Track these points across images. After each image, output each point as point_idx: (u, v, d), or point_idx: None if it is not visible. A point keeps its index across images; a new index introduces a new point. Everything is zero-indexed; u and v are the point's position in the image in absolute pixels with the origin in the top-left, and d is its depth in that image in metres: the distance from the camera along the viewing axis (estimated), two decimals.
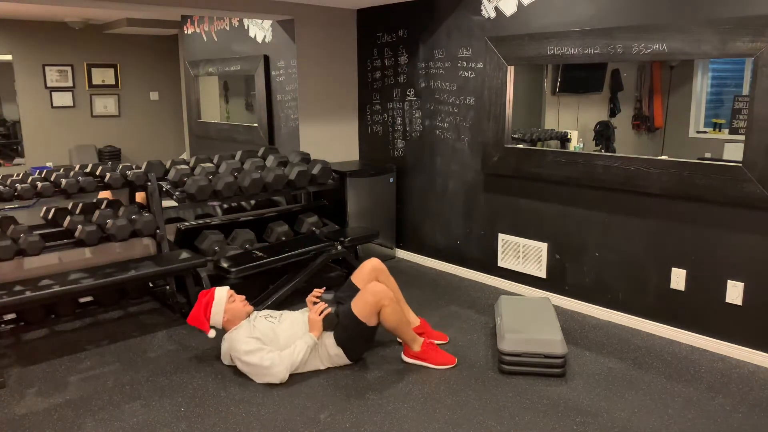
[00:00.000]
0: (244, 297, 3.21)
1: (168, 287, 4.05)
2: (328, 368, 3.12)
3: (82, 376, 3.07)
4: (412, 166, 4.91)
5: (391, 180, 4.96)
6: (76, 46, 8.11)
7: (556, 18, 3.74)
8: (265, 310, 3.22)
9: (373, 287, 3.07)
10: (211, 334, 3.08)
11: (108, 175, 3.69)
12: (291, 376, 3.02)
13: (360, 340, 3.12)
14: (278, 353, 2.97)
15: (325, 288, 3.25)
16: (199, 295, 3.16)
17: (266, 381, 2.96)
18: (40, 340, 3.52)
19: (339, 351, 3.08)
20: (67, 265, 3.75)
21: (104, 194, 4.23)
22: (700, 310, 3.37)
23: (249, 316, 3.14)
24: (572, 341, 3.46)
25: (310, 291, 3.27)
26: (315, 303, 3.16)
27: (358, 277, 3.36)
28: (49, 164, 8.06)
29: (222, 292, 3.13)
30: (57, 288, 3.14)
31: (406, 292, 4.29)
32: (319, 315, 3.03)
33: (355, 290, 3.25)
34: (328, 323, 3.05)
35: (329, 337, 3.08)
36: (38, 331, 3.65)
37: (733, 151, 3.46)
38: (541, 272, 4.10)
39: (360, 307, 3.04)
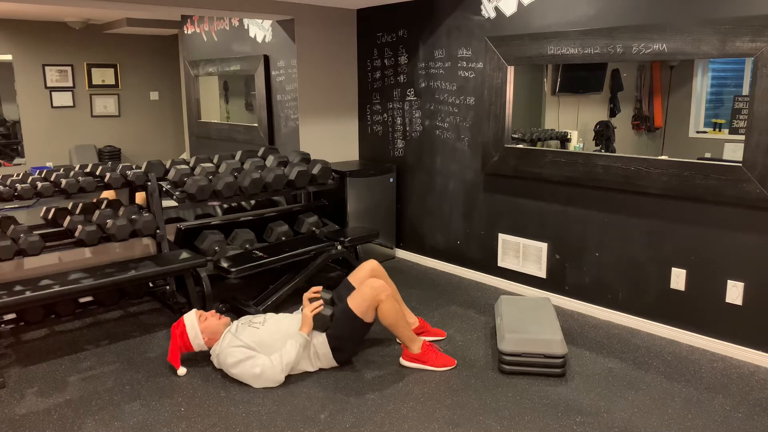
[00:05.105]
0: (213, 311, 3.18)
1: (168, 287, 4.05)
2: (324, 369, 3.12)
3: (82, 376, 3.07)
4: (412, 166, 4.91)
5: (391, 180, 4.96)
6: (76, 46, 8.11)
7: (556, 18, 3.74)
8: (247, 317, 3.18)
9: (372, 282, 3.06)
10: (181, 371, 3.06)
11: (108, 175, 3.69)
12: (290, 375, 3.02)
13: (351, 341, 3.10)
14: (268, 358, 2.93)
15: (322, 287, 3.25)
16: (171, 329, 3.11)
17: (263, 386, 2.95)
18: (40, 340, 3.52)
19: (327, 351, 3.05)
20: (67, 265, 3.75)
21: (106, 194, 4.24)
22: (700, 310, 3.37)
23: (229, 326, 3.11)
24: (572, 341, 3.46)
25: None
26: (312, 300, 3.14)
27: (355, 278, 3.35)
28: (49, 164, 8.06)
29: (191, 316, 3.10)
30: (57, 288, 3.14)
31: (406, 291, 4.30)
32: (311, 312, 3.01)
33: (351, 290, 3.24)
34: (320, 323, 3.02)
35: (320, 336, 3.06)
36: (38, 331, 3.65)
37: (733, 151, 3.46)
38: (541, 272, 4.10)
39: (357, 301, 3.03)
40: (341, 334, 3.05)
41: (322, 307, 3.03)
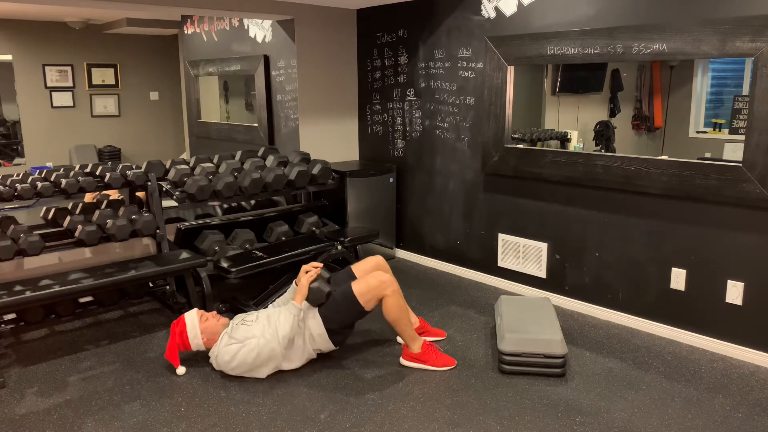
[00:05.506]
0: (215, 312, 3.18)
1: (168, 287, 4.05)
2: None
3: (82, 376, 3.07)
4: (412, 166, 4.91)
5: (391, 180, 4.96)
6: (76, 46, 8.11)
7: (556, 18, 3.74)
8: (240, 315, 3.17)
9: (381, 275, 3.07)
10: (180, 371, 3.06)
11: (108, 175, 3.69)
12: (290, 375, 3.03)
13: (345, 325, 3.10)
14: (258, 338, 2.94)
15: (322, 265, 3.24)
16: (171, 326, 3.11)
17: (270, 368, 2.97)
18: (40, 340, 3.52)
19: (323, 332, 3.05)
20: (67, 265, 3.75)
21: (107, 194, 4.23)
22: (700, 310, 3.37)
23: (227, 327, 3.11)
24: (572, 341, 3.46)
25: None
26: (308, 272, 3.13)
27: (359, 268, 3.35)
28: (49, 164, 8.06)
29: (192, 315, 3.09)
30: (57, 288, 3.14)
31: (406, 291, 4.30)
32: (308, 281, 3.01)
33: (352, 278, 3.24)
34: (316, 296, 3.02)
35: (314, 317, 3.05)
36: (38, 331, 3.65)
37: (733, 151, 3.46)
38: (541, 272, 4.10)
39: (362, 288, 3.03)
40: (336, 316, 3.05)
41: (318, 275, 3.04)
